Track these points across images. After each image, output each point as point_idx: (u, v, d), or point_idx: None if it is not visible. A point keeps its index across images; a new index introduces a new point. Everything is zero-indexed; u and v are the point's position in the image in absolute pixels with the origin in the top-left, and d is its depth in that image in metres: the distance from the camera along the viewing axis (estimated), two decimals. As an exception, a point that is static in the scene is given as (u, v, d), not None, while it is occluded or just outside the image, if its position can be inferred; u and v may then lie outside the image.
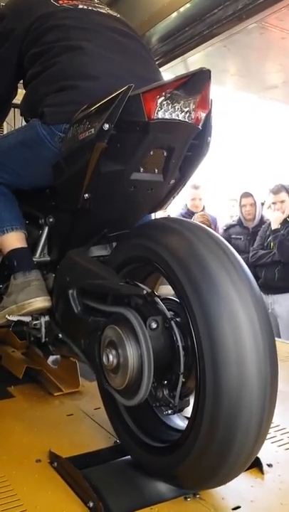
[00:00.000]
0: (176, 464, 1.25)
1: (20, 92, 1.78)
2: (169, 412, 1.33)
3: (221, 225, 5.08)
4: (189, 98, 1.37)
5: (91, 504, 1.26)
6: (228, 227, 4.77)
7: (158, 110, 1.32)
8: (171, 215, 4.40)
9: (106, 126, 1.32)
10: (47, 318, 1.69)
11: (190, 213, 4.96)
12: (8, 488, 1.36)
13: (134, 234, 1.47)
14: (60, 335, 1.64)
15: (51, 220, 1.74)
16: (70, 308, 1.52)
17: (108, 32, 1.65)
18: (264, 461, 1.46)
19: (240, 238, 4.57)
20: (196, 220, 4.55)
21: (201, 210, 5.03)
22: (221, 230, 4.79)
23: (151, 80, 1.46)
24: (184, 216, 4.68)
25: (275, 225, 4.13)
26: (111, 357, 1.30)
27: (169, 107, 1.34)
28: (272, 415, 1.19)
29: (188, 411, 1.24)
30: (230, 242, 3.15)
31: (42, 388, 2.12)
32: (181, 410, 1.36)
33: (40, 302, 1.62)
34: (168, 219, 1.58)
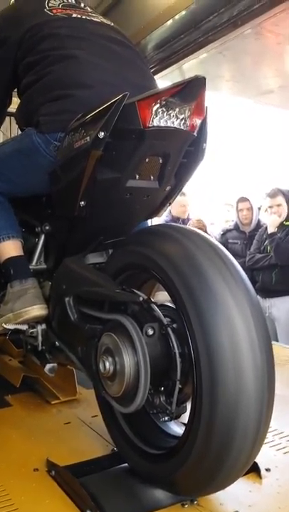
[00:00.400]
0: (174, 471, 1.25)
1: (16, 101, 1.78)
2: (166, 418, 1.33)
3: (213, 230, 5.07)
4: (184, 105, 1.38)
5: (89, 512, 1.26)
6: (225, 232, 4.78)
7: (153, 118, 1.33)
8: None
9: (101, 134, 1.32)
10: (44, 326, 1.69)
11: (174, 220, 4.94)
12: (6, 497, 1.35)
13: (131, 241, 1.47)
14: (56, 343, 1.64)
15: (47, 227, 1.74)
16: (67, 316, 1.51)
17: (102, 40, 1.66)
18: (262, 466, 1.46)
19: (237, 243, 4.58)
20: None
21: (187, 217, 5.02)
22: (217, 236, 4.80)
23: (146, 87, 1.47)
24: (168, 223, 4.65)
25: (271, 229, 4.14)
26: (108, 364, 1.29)
27: (164, 114, 1.34)
28: (270, 419, 1.19)
29: (186, 417, 1.24)
30: (227, 247, 3.16)
31: (39, 396, 2.11)
32: (178, 417, 1.35)
33: (37, 310, 1.62)
34: (164, 225, 1.59)
